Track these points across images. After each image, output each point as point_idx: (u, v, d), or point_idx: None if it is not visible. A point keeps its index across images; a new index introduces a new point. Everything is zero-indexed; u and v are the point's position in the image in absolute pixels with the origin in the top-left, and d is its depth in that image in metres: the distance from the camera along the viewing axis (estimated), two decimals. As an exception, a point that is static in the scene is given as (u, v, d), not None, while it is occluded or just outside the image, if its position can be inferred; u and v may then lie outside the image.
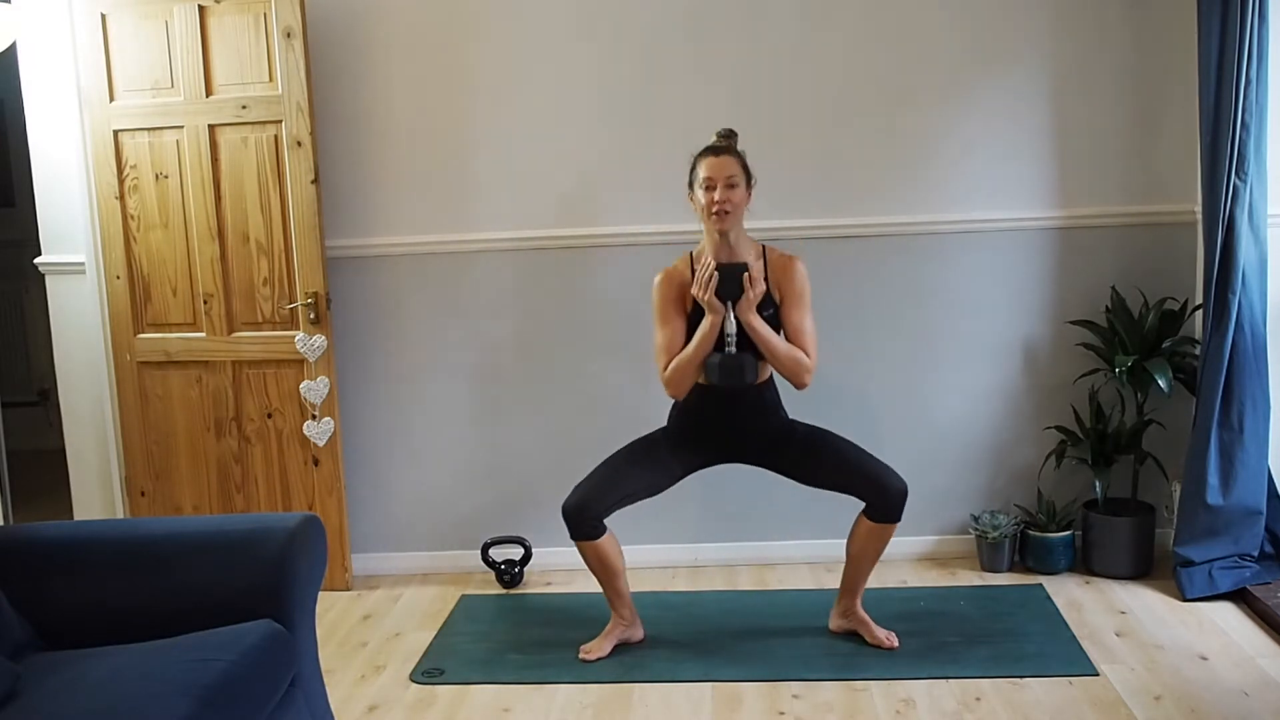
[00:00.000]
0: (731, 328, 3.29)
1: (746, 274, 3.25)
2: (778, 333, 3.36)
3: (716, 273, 3.24)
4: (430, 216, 4.10)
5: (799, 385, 3.38)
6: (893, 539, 4.08)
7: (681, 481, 3.46)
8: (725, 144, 3.36)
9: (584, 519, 3.37)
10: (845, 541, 3.50)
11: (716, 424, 3.46)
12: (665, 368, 3.38)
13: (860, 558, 3.48)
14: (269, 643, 2.45)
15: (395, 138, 4.07)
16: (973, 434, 4.12)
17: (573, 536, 3.40)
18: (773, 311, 3.36)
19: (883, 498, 3.37)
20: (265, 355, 4.04)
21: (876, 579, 3.97)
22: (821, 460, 3.45)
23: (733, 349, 3.31)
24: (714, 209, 3.27)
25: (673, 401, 3.50)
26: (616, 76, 4.00)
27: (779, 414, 3.51)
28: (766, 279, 3.36)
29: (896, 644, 3.44)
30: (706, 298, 3.26)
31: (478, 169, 4.06)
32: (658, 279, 3.42)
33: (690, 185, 3.37)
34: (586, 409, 4.15)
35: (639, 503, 3.50)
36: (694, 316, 3.36)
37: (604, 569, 3.45)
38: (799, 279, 3.37)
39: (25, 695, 2.26)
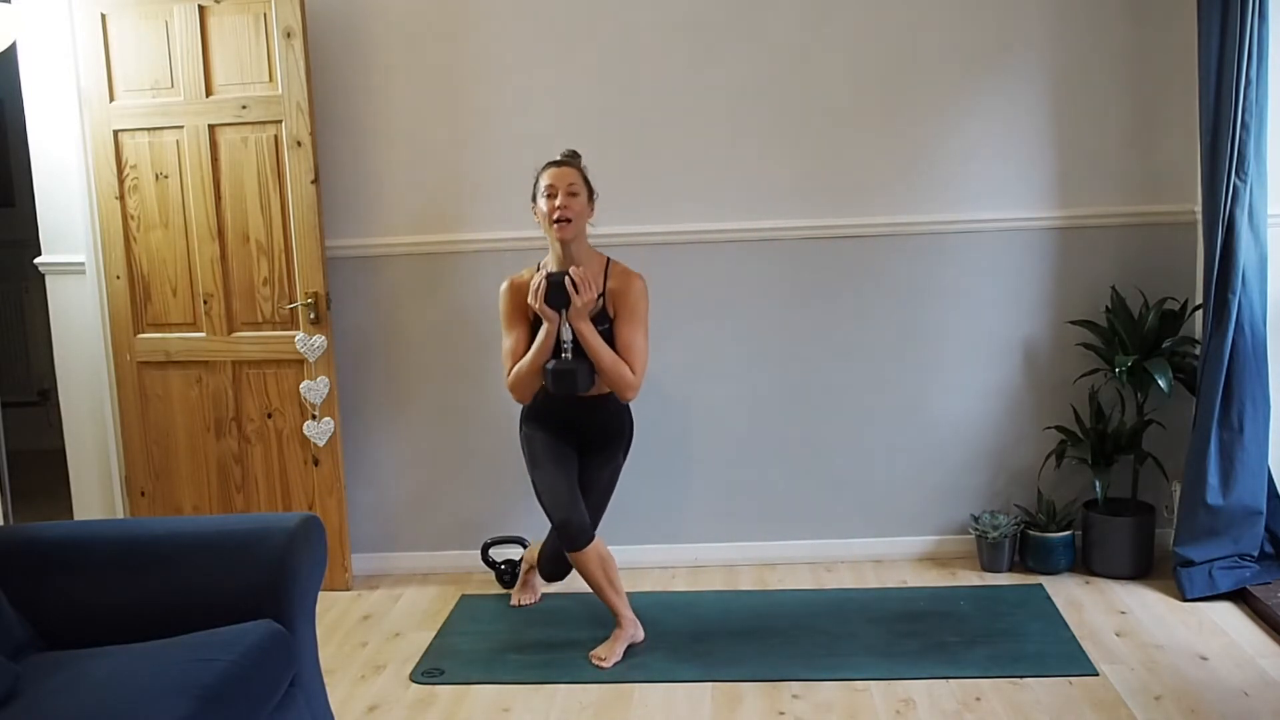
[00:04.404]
0: (567, 335, 3.41)
1: (570, 280, 3.33)
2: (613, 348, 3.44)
3: (545, 282, 3.34)
4: (430, 216, 4.10)
5: (622, 399, 3.49)
6: (893, 538, 4.12)
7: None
8: (569, 160, 3.48)
9: (579, 525, 3.42)
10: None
11: (561, 424, 3.55)
12: (509, 373, 3.49)
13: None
14: (269, 643, 2.45)
15: (395, 138, 4.06)
16: (973, 434, 4.11)
17: (575, 549, 3.43)
18: (608, 326, 3.44)
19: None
20: (265, 355, 4.04)
21: (876, 579, 3.98)
22: (593, 478, 3.53)
23: (568, 356, 3.41)
24: (554, 215, 3.37)
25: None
26: (616, 77, 4.00)
27: (620, 419, 3.59)
28: (605, 294, 3.44)
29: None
30: (538, 306, 3.36)
31: (477, 169, 4.06)
32: (503, 287, 3.54)
33: (534, 198, 3.47)
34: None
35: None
36: (537, 324, 3.45)
37: (605, 565, 3.47)
38: (634, 295, 3.46)
39: (25, 695, 2.26)
